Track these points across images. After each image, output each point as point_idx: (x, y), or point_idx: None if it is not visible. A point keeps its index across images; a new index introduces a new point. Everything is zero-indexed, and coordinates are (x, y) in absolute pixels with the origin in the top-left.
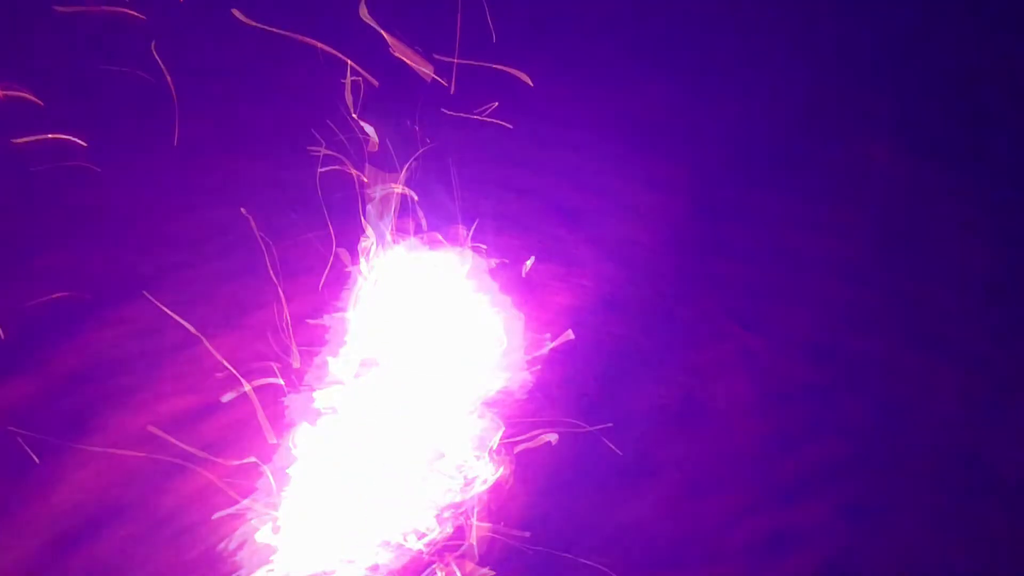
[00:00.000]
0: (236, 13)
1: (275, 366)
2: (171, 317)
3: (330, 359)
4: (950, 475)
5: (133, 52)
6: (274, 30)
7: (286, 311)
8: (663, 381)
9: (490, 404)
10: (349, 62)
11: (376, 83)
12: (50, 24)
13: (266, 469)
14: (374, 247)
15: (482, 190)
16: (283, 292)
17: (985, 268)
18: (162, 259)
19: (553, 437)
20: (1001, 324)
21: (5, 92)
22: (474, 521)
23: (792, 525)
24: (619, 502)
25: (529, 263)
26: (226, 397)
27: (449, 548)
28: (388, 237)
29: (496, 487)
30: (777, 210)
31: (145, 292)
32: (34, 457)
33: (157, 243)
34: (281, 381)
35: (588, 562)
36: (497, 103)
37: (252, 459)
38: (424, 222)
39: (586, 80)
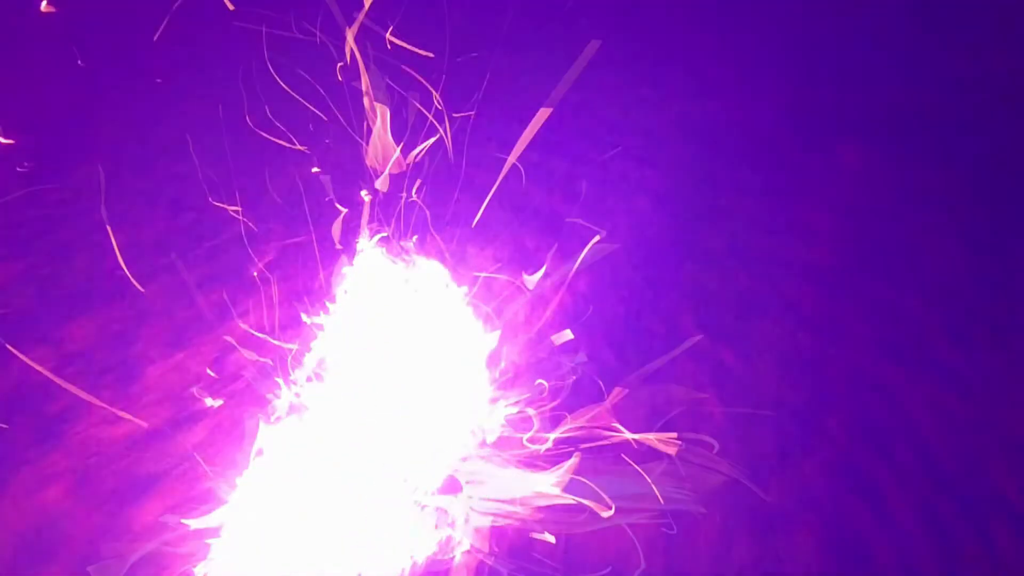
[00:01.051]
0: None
1: (261, 370)
2: (154, 321)
3: (318, 363)
4: (928, 497)
5: (114, 51)
6: (268, 30)
7: (273, 314)
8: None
9: (473, 421)
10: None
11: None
12: (37, 24)
13: (248, 475)
14: (364, 251)
15: (465, 197)
16: (271, 296)
17: (955, 275)
18: (149, 262)
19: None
20: (970, 332)
21: None
22: (461, 541)
23: (774, 557)
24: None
25: (535, 276)
26: (212, 402)
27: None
28: (378, 243)
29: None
30: (748, 215)
31: (137, 292)
32: None
33: (142, 246)
34: (278, 381)
35: None
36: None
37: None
38: (413, 232)
39: (571, 89)
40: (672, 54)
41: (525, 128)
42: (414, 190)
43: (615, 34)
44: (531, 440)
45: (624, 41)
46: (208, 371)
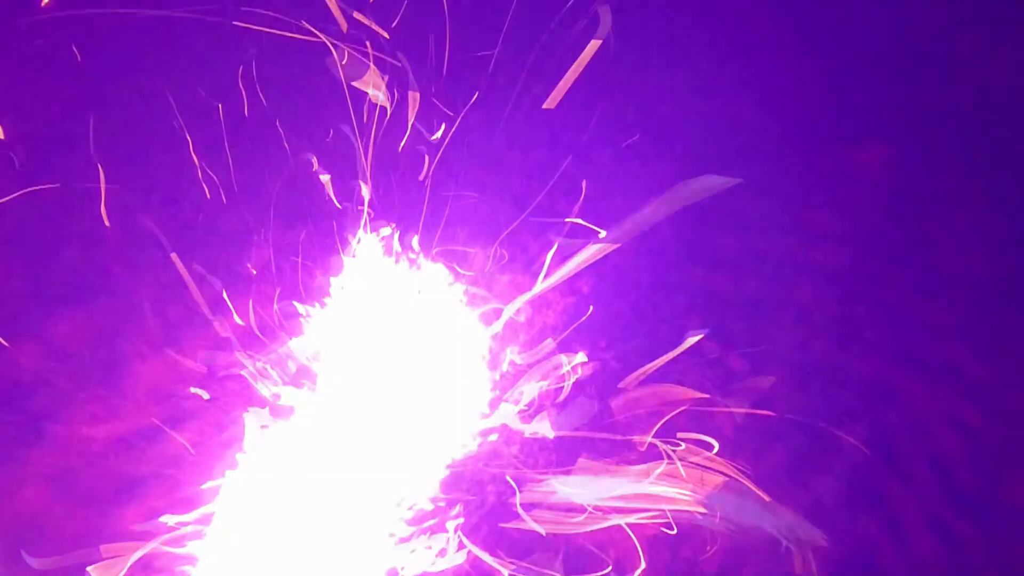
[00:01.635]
0: None
1: (255, 368)
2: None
3: (314, 363)
4: (946, 517)
5: (112, 46)
6: (264, 29)
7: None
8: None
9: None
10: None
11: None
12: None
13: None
14: (362, 249)
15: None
16: (267, 294)
17: (980, 281)
18: (134, 257)
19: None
20: (995, 343)
21: None
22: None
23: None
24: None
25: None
26: (202, 392)
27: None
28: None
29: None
30: (764, 217)
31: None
32: None
33: (129, 240)
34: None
35: None
36: (477, 93)
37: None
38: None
39: (579, 86)
40: (682, 47)
41: (525, 126)
42: (428, 171)
43: (621, 26)
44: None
45: (631, 33)
46: (198, 367)
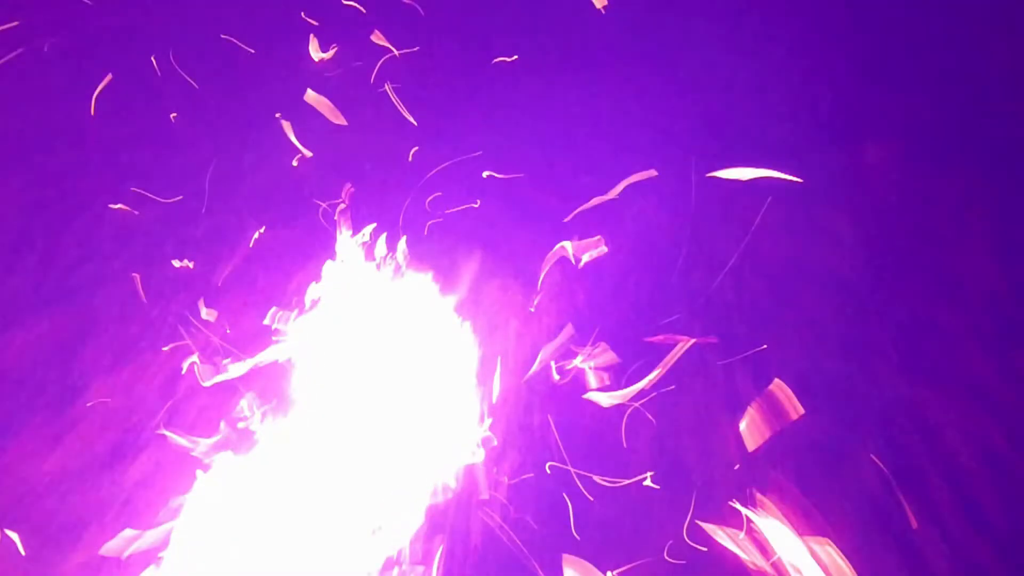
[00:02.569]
0: None
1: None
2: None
3: (288, 378)
4: (967, 545)
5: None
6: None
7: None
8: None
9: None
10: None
11: None
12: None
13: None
14: (344, 253)
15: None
16: (238, 303)
17: (987, 284)
18: (100, 264)
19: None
20: (1016, 354)
21: None
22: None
23: None
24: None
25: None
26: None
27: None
28: (361, 244)
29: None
30: (765, 218)
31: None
32: None
33: (111, 242)
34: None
35: None
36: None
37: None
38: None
39: (582, 86)
40: (685, 43)
41: (523, 127)
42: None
43: (622, 26)
44: None
45: (633, 29)
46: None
